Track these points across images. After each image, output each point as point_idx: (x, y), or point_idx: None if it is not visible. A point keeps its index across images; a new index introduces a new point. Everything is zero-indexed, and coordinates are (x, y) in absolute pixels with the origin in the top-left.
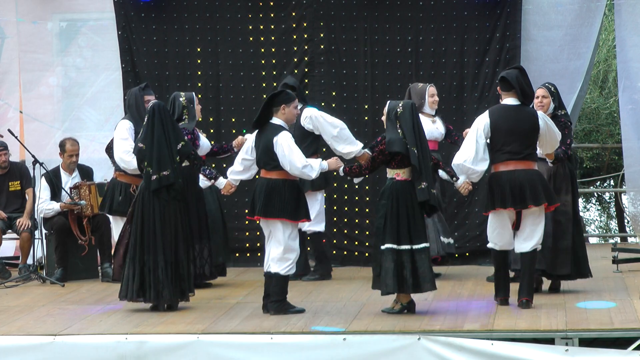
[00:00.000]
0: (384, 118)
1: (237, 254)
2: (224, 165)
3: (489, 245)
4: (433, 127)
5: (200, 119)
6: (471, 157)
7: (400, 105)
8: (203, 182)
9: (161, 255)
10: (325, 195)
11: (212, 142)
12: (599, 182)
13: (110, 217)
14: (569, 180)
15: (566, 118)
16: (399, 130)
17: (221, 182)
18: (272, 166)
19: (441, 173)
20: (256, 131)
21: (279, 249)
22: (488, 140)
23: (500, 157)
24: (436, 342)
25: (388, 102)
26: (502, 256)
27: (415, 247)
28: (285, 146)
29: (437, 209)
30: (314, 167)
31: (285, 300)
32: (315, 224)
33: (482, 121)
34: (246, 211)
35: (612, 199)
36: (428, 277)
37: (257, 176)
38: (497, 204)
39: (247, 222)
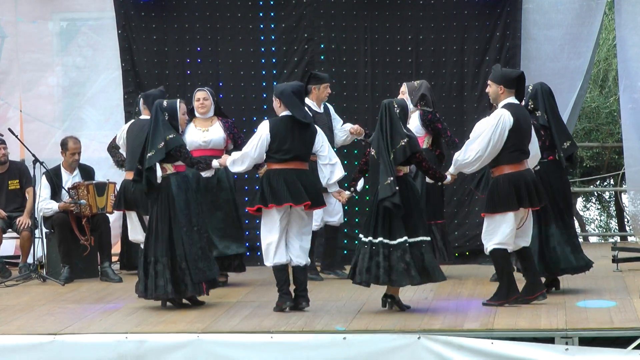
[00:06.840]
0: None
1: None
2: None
3: (501, 246)
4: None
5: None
6: (486, 157)
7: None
8: (206, 173)
9: (159, 251)
10: None
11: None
12: (599, 181)
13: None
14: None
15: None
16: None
17: (215, 164)
18: None
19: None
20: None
21: None
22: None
23: (519, 156)
24: (436, 341)
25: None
26: (508, 256)
27: (418, 239)
28: None
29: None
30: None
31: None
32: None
33: (507, 121)
34: (246, 210)
35: (612, 198)
36: (436, 267)
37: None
38: (525, 203)
39: (246, 221)
